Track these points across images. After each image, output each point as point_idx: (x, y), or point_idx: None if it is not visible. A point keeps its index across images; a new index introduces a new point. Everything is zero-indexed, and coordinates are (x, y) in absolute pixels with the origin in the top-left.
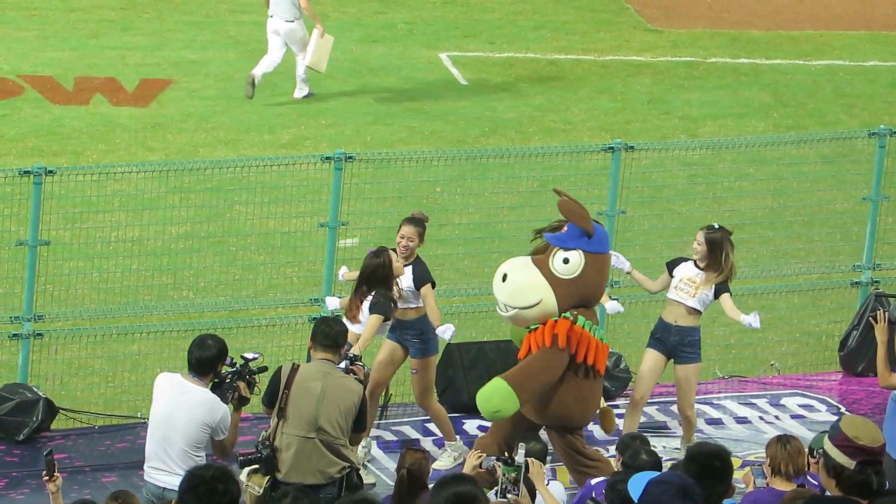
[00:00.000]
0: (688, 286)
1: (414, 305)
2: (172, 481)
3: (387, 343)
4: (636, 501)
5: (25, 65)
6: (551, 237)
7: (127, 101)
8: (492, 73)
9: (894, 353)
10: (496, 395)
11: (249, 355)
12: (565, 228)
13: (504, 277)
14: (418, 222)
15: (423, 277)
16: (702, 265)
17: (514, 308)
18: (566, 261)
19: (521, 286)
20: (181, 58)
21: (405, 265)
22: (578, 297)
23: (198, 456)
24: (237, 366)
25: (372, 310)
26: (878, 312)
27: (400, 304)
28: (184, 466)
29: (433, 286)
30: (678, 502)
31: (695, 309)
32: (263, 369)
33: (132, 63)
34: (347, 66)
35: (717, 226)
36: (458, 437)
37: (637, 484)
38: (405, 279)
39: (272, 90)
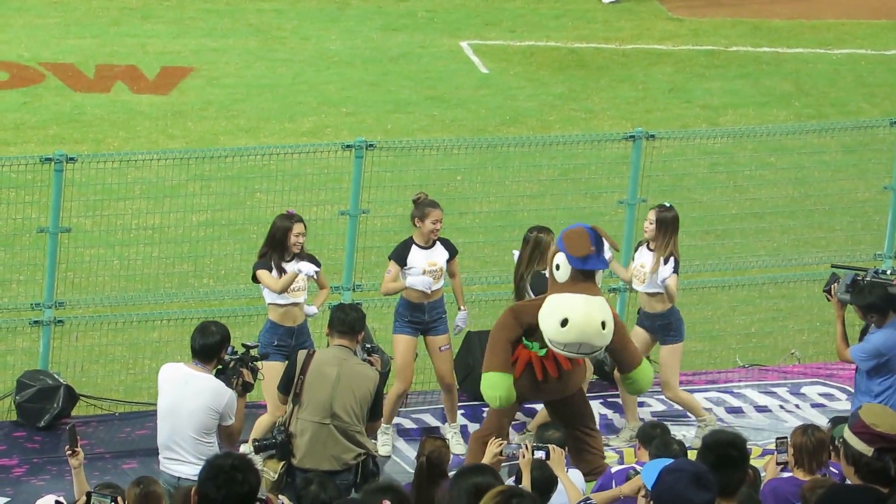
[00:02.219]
0: (640, 273)
1: (441, 284)
2: (186, 470)
3: (401, 339)
4: (649, 489)
5: (46, 52)
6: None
7: (148, 88)
8: (513, 62)
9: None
10: None
11: (250, 343)
12: (593, 248)
13: (604, 325)
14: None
15: (454, 248)
16: (652, 246)
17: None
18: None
19: (612, 324)
20: (202, 45)
21: (430, 246)
22: None
23: (208, 442)
24: (238, 353)
25: (258, 267)
26: (831, 287)
27: (431, 287)
28: (196, 454)
29: None
30: (692, 490)
31: (653, 294)
32: (265, 356)
33: (153, 51)
34: (368, 54)
35: (668, 204)
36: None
37: (650, 472)
38: (441, 256)
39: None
